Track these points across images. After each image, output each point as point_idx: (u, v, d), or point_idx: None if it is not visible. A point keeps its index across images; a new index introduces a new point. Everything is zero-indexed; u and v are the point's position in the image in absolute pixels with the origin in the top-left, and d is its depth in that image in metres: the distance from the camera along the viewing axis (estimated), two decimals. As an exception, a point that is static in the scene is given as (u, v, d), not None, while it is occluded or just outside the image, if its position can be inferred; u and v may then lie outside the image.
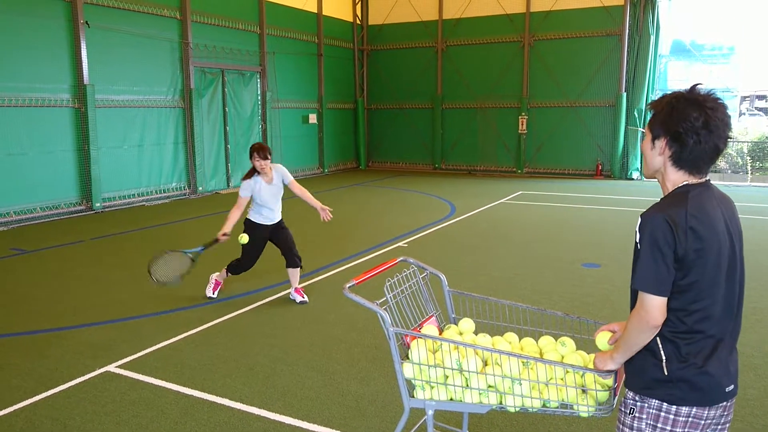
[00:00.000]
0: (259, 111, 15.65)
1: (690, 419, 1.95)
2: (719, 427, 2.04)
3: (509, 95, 17.77)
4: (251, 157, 5.88)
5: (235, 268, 6.15)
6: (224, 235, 5.77)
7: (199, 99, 13.66)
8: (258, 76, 15.54)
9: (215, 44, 14.07)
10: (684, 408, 1.95)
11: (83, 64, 11.15)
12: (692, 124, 1.90)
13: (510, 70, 17.70)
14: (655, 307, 1.91)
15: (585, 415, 2.36)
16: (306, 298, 6.14)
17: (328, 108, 18.30)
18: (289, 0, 16.46)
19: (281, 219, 6.16)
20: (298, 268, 6.14)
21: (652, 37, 15.78)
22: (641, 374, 2.02)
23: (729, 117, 1.95)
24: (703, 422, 1.96)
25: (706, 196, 1.96)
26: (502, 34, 17.65)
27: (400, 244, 8.56)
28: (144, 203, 12.45)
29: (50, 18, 10.78)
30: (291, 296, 6.19)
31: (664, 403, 1.97)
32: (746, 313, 5.50)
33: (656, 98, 2.07)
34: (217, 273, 6.32)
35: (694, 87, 1.97)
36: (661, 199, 2.01)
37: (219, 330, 5.32)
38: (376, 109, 20.03)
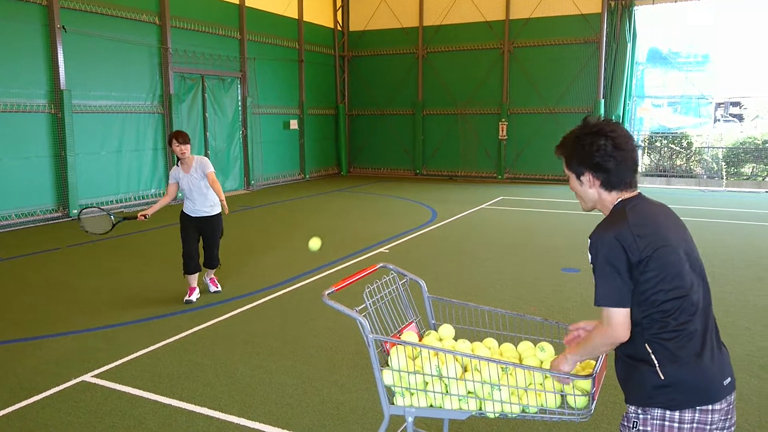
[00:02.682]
0: (240, 117, 15.57)
1: (695, 425, 1.96)
2: (724, 431, 2.03)
3: (489, 101, 17.90)
4: (170, 143, 6.10)
5: (183, 265, 6.26)
6: (143, 215, 6.01)
7: (178, 105, 13.55)
8: (238, 81, 15.47)
9: (195, 50, 13.98)
10: (687, 414, 1.95)
11: (60, 69, 11.00)
12: (605, 150, 2.07)
13: (490, 76, 17.84)
14: (619, 322, 1.98)
15: (564, 420, 2.38)
16: (219, 288, 6.48)
17: (309, 114, 18.27)
18: (269, 6, 16.43)
19: (215, 215, 6.24)
20: (214, 269, 6.44)
21: (629, 45, 16.03)
22: (640, 386, 2.02)
23: (627, 131, 2.11)
24: (708, 427, 1.96)
25: (642, 206, 2.09)
26: (482, 40, 17.79)
27: (381, 250, 8.56)
28: (122, 210, 12.30)
29: (26, 22, 10.62)
30: (205, 281, 6.47)
31: (667, 411, 1.96)
32: (721, 316, 5.60)
33: (558, 144, 2.25)
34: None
35: (586, 119, 2.17)
36: (604, 218, 2.13)
37: (198, 338, 5.26)
38: (357, 115, 20.04)
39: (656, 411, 1.98)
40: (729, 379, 2.02)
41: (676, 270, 1.98)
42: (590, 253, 2.05)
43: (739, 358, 4.74)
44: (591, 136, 2.10)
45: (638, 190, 2.17)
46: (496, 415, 2.44)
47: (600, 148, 2.07)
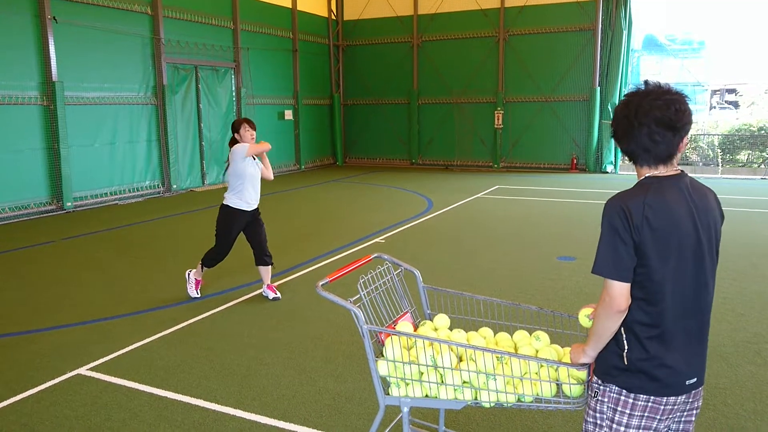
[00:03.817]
0: (234, 107, 15.48)
1: (649, 405, 2.00)
2: (685, 414, 2.07)
3: (485, 90, 17.84)
4: (239, 128, 5.76)
5: (211, 260, 6.02)
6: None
7: (172, 96, 13.45)
8: (232, 72, 15.36)
9: (188, 40, 13.87)
10: (642, 395, 2.00)
11: (51, 60, 10.89)
12: (618, 120, 2.02)
13: (485, 65, 17.76)
14: (618, 292, 1.95)
15: (560, 409, 2.37)
16: (278, 295, 6.08)
17: (304, 104, 18.18)
18: (262, -5, 16.30)
19: (258, 206, 6.01)
20: (269, 266, 6.06)
21: (625, 32, 15.96)
22: (603, 360, 2.09)
23: (685, 108, 1.94)
24: (662, 408, 2.00)
25: (668, 187, 1.96)
26: (477, 29, 17.70)
27: (377, 240, 8.54)
28: (117, 202, 12.24)
29: (16, 13, 10.50)
30: (264, 293, 6.13)
31: (624, 390, 2.02)
32: (717, 302, 5.61)
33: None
34: (194, 270, 6.20)
35: (645, 81, 2.03)
36: (625, 189, 2.04)
37: (193, 330, 5.24)
38: (353, 105, 19.96)
39: (614, 386, 2.05)
40: (695, 379, 2.02)
41: (674, 270, 1.94)
42: (602, 219, 2.00)
43: (735, 344, 4.75)
44: (621, 103, 2.03)
45: (678, 169, 2.01)
46: (492, 404, 2.43)
47: (616, 116, 2.02)
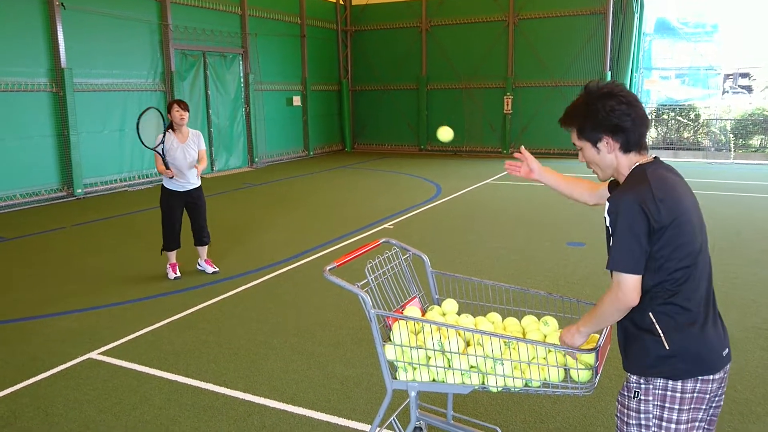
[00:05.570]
0: (242, 94, 15.46)
1: (695, 395, 1.97)
2: (716, 398, 2.06)
3: (494, 75, 17.69)
4: (170, 109, 5.99)
5: (167, 243, 6.20)
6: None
7: (180, 82, 13.44)
8: (240, 58, 15.32)
9: (196, 26, 13.82)
10: (689, 383, 1.96)
11: (60, 47, 10.90)
12: (620, 110, 2.01)
13: (495, 49, 17.60)
14: (631, 287, 1.94)
15: (567, 394, 2.36)
16: (217, 269, 6.39)
17: (313, 90, 18.12)
18: (270, -20, 16.19)
19: (199, 186, 6.19)
20: (206, 246, 6.35)
21: (636, 15, 15.74)
22: (643, 356, 2.01)
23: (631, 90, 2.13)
24: (707, 396, 1.98)
25: (662, 171, 2.04)
26: (486, 13, 17.52)
27: (385, 225, 8.54)
28: (126, 189, 12.30)
29: (24, 0, 10.50)
30: (200, 267, 6.39)
31: (669, 381, 1.97)
32: (727, 288, 5.57)
33: (564, 116, 2.16)
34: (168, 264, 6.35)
35: (587, 85, 2.10)
36: (624, 182, 2.07)
37: (203, 315, 5.27)
38: (361, 91, 19.87)
39: (658, 381, 1.98)
40: (727, 350, 2.03)
41: (689, 239, 1.95)
42: (609, 216, 1.98)
43: (745, 330, 4.72)
44: (602, 98, 2.03)
45: (653, 155, 2.11)
46: (499, 389, 2.43)
47: (614, 109, 2.01)
